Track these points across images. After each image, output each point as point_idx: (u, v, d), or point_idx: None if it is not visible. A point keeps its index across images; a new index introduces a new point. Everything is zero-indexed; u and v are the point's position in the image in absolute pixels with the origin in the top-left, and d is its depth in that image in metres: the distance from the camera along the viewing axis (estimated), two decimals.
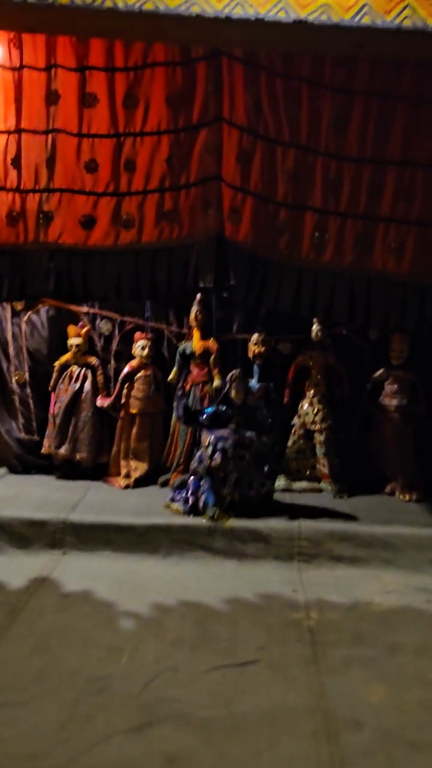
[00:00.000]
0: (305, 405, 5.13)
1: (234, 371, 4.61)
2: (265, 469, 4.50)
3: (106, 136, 4.20)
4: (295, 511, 4.51)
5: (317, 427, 5.08)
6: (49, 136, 4.19)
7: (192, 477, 4.51)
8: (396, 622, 3.46)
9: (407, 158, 4.18)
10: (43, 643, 3.15)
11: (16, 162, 4.22)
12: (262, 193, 4.23)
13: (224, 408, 4.54)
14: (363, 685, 2.89)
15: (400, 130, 4.14)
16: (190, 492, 4.44)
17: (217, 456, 4.35)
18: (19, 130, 4.20)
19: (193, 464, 4.61)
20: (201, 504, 4.38)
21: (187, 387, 5.13)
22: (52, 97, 4.18)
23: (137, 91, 4.16)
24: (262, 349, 5.11)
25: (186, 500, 4.43)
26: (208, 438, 4.47)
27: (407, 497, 4.94)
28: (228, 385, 4.57)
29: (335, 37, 3.56)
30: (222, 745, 2.48)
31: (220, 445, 4.39)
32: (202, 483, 4.44)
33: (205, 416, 4.53)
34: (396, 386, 5.06)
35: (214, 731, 2.56)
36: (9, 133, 4.21)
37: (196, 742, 2.49)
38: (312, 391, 5.12)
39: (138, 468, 5.13)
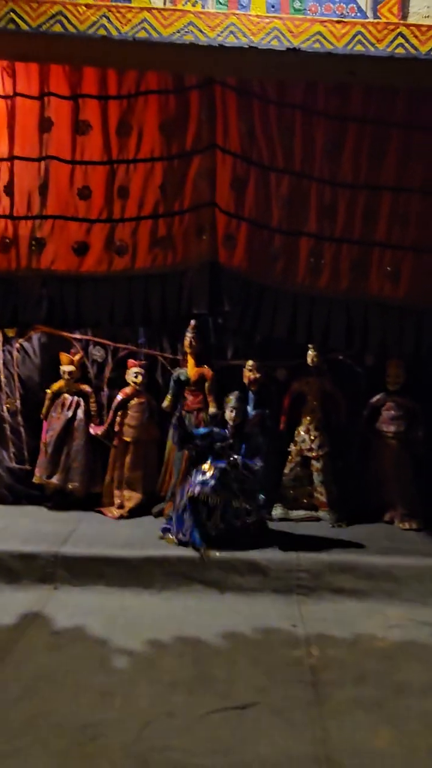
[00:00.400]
0: (302, 432, 5.04)
1: (231, 393, 4.52)
2: (255, 497, 4.37)
3: (100, 163, 4.18)
4: (292, 542, 4.39)
5: (314, 454, 4.99)
6: (42, 163, 4.17)
7: (175, 512, 4.39)
8: (400, 659, 3.34)
9: (402, 184, 4.18)
10: (33, 688, 3.01)
11: (9, 189, 4.18)
12: (257, 219, 4.21)
13: (219, 430, 4.45)
14: (368, 729, 2.76)
15: (394, 156, 4.15)
16: (176, 528, 4.32)
17: (197, 488, 4.22)
18: (12, 157, 4.18)
19: (176, 498, 4.48)
20: (188, 541, 4.26)
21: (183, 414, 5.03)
22: (45, 125, 4.17)
23: (130, 119, 4.15)
24: (258, 375, 5.02)
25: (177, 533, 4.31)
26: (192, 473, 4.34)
27: (407, 526, 4.83)
28: (224, 406, 4.47)
29: (328, 65, 3.56)
30: None
31: (200, 478, 4.25)
32: (185, 518, 4.31)
33: (198, 436, 4.43)
34: (393, 412, 4.98)
35: None
36: (2, 160, 4.19)
37: None
38: (308, 418, 5.04)
39: (132, 498, 5.01)
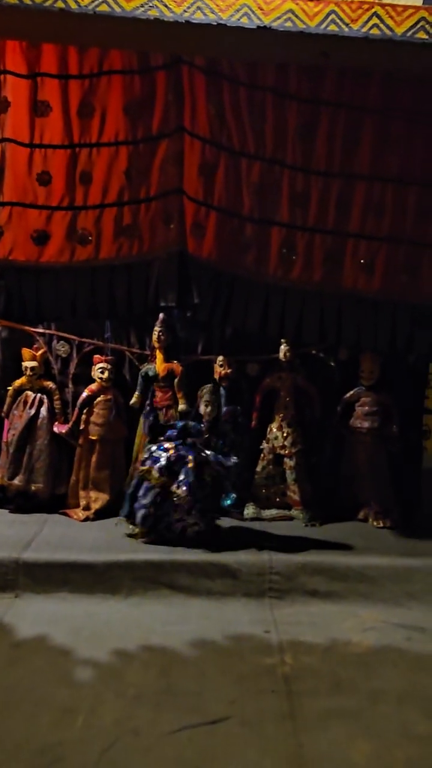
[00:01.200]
0: (274, 428, 4.90)
1: (205, 386, 4.36)
2: (210, 509, 4.24)
3: (60, 146, 3.96)
4: (264, 543, 4.25)
5: (287, 451, 4.85)
6: None
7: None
8: (376, 665, 3.22)
9: (376, 173, 4.05)
10: None
11: None
12: (227, 207, 4.04)
13: (194, 424, 4.29)
14: (345, 742, 2.63)
15: (369, 144, 4.01)
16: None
17: (148, 462, 4.16)
18: None
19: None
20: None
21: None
22: (1, 106, 3.92)
23: (93, 100, 3.94)
24: (229, 370, 4.87)
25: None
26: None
27: (381, 524, 4.73)
28: (198, 401, 4.32)
29: (300, 45, 3.42)
30: None
31: (156, 455, 4.17)
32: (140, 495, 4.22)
33: (173, 432, 4.27)
34: (367, 408, 4.87)
35: None
36: None
37: None
38: (281, 414, 4.90)
39: (98, 499, 4.81)
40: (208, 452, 4.19)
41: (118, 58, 3.92)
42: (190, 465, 4.12)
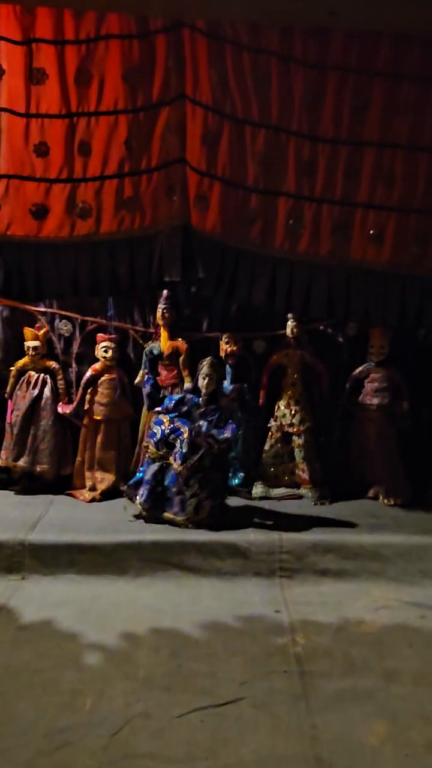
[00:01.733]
0: (282, 406, 4.81)
1: (204, 359, 4.27)
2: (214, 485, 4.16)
3: (58, 116, 3.81)
4: (274, 522, 4.19)
5: (295, 429, 4.76)
6: None
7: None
8: (390, 644, 3.17)
9: (386, 139, 3.88)
10: None
11: None
12: (231, 178, 3.89)
13: (192, 396, 4.21)
14: (360, 724, 2.58)
15: (378, 109, 3.84)
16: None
17: (147, 439, 4.16)
18: None
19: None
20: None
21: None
22: None
23: (90, 67, 3.77)
24: (235, 347, 4.77)
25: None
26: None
27: (392, 502, 4.66)
28: (198, 374, 4.24)
29: (306, 4, 3.25)
30: None
31: (153, 430, 4.19)
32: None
33: (171, 402, 4.22)
34: (377, 384, 4.77)
35: None
36: None
37: None
38: (289, 392, 4.80)
39: (104, 479, 4.75)
40: (202, 423, 4.11)
41: (116, 22, 3.75)
42: (184, 435, 4.07)
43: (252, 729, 2.53)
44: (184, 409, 4.21)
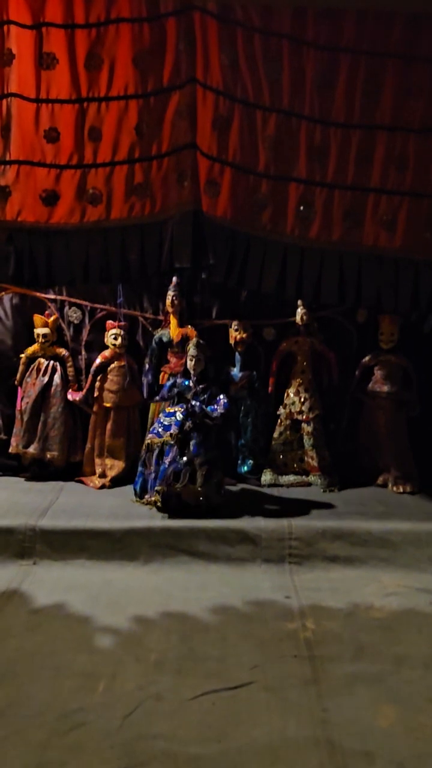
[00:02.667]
0: (291, 394, 4.80)
1: (191, 341, 4.30)
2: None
3: (68, 101, 3.79)
4: (283, 509, 4.20)
5: (304, 417, 4.76)
6: (4, 102, 3.77)
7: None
8: (399, 629, 3.17)
9: (398, 122, 3.85)
10: (9, 672, 2.79)
11: None
12: (242, 163, 3.87)
13: (182, 380, 4.23)
14: (370, 707, 2.59)
15: (391, 92, 3.80)
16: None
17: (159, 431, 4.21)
18: None
19: None
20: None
21: (165, 377, 4.78)
22: (5, 58, 3.75)
23: (100, 51, 3.75)
24: (244, 335, 4.76)
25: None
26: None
27: (401, 489, 4.65)
28: (186, 357, 4.26)
29: None
30: None
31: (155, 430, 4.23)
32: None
33: (165, 390, 4.28)
34: (386, 371, 4.75)
35: None
36: None
37: None
38: (298, 379, 4.79)
39: (114, 466, 4.77)
40: (195, 403, 4.12)
41: (126, 5, 3.72)
42: (178, 414, 4.12)
43: (263, 712, 2.55)
44: (175, 392, 4.24)
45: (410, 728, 2.47)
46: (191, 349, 4.22)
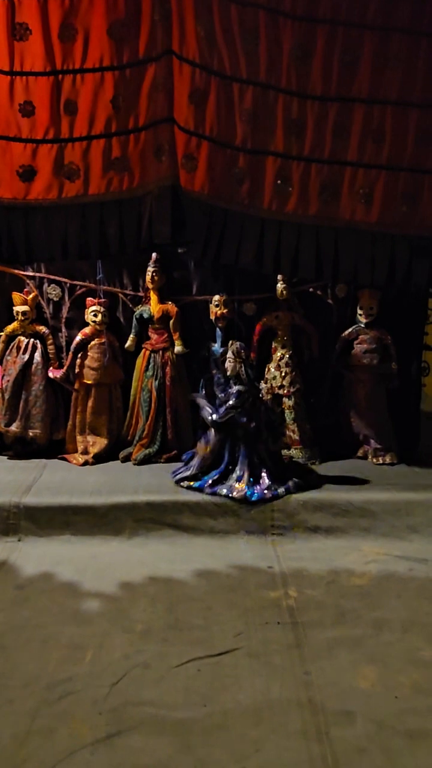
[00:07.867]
0: (272, 368, 4.84)
1: (233, 343, 4.30)
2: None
3: (42, 73, 3.70)
4: None
5: (285, 391, 4.81)
6: None
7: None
8: (379, 595, 3.27)
9: (376, 95, 3.82)
10: None
11: None
12: (219, 137, 3.82)
13: (218, 376, 4.32)
14: (351, 669, 2.68)
15: (369, 63, 3.77)
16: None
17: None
18: None
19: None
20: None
21: (146, 354, 4.79)
22: None
23: (74, 21, 3.65)
24: (225, 310, 4.77)
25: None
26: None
27: (381, 460, 4.74)
28: (228, 360, 4.25)
29: None
30: (201, 752, 2.23)
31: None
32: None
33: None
34: (366, 345, 4.81)
35: (192, 735, 2.30)
36: None
37: (172, 750, 2.24)
38: (279, 354, 4.83)
39: (96, 443, 4.79)
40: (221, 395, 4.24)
41: None
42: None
43: (247, 676, 2.63)
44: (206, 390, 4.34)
45: (389, 688, 2.57)
46: (228, 353, 4.27)
